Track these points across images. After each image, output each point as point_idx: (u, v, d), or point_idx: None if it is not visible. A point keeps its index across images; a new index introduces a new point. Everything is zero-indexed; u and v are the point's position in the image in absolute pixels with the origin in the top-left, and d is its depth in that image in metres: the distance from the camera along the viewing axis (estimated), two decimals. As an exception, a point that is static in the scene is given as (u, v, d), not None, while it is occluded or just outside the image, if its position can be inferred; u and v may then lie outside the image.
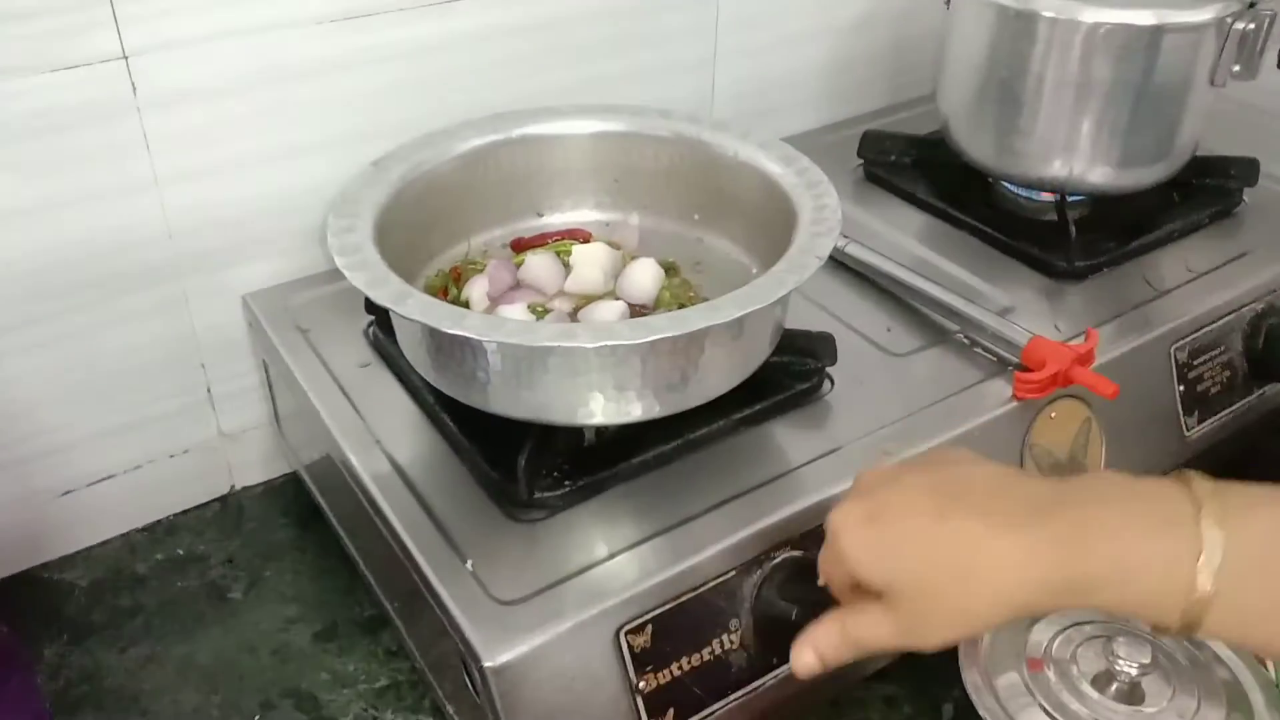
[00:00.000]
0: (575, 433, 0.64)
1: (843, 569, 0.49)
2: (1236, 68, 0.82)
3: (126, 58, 0.68)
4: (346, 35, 0.76)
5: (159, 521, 0.84)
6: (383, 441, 0.67)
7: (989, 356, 0.74)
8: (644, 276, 0.72)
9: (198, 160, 0.74)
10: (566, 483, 0.62)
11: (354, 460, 0.66)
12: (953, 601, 0.46)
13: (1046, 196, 0.90)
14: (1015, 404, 0.71)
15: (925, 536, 0.46)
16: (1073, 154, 0.85)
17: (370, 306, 0.75)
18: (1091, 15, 0.79)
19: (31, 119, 0.67)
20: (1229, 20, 0.80)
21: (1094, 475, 0.47)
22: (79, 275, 0.73)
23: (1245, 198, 0.93)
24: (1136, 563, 0.44)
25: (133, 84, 0.69)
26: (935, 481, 0.47)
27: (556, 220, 0.80)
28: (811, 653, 0.51)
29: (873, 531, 0.47)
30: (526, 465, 0.61)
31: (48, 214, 0.70)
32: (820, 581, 0.52)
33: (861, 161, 0.99)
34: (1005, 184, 0.93)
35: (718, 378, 0.63)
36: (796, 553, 0.62)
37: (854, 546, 0.47)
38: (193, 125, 0.73)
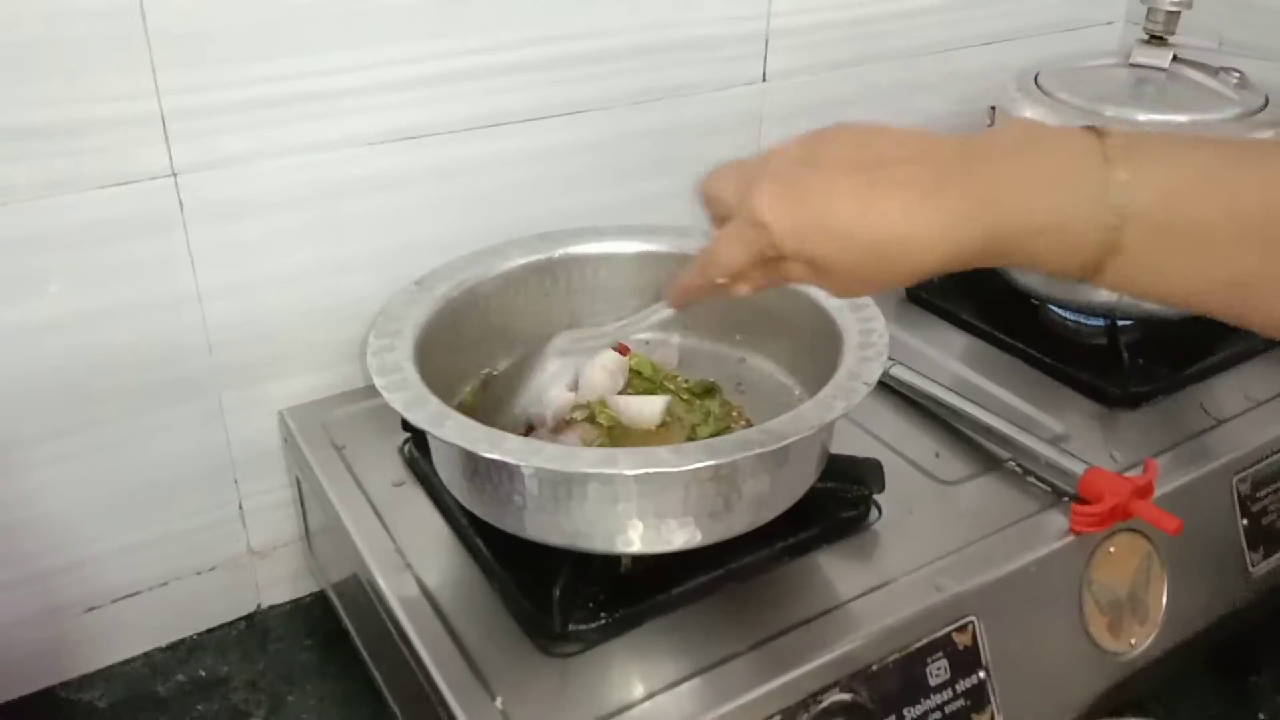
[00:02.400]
0: (612, 561, 0.62)
1: (756, 248, 0.48)
2: (1291, 194, 0.80)
3: (176, 175, 0.69)
4: (393, 155, 0.77)
5: (182, 640, 0.82)
6: (413, 564, 0.65)
7: (1043, 487, 0.72)
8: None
9: (241, 275, 0.74)
10: (602, 615, 0.60)
11: (382, 583, 0.64)
12: (874, 273, 0.46)
13: (1096, 320, 0.89)
14: (1072, 538, 0.68)
15: (851, 216, 0.46)
16: (1123, 278, 0.83)
17: (407, 424, 0.74)
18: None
19: (79, 231, 0.67)
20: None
21: (1001, 128, 0.48)
22: (115, 385, 0.72)
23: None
24: (1048, 211, 0.44)
25: (180, 200, 0.70)
26: (851, 157, 0.47)
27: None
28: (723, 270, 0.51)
29: (799, 212, 0.47)
30: (561, 596, 0.59)
31: (89, 324, 0.70)
32: (717, 270, 0.51)
33: (905, 282, 0.98)
34: (1053, 307, 0.91)
35: (762, 505, 0.61)
36: (845, 696, 0.58)
37: (781, 228, 0.47)
38: (237, 241, 0.73)
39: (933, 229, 0.44)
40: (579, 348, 0.69)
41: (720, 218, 0.52)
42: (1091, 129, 0.45)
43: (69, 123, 0.65)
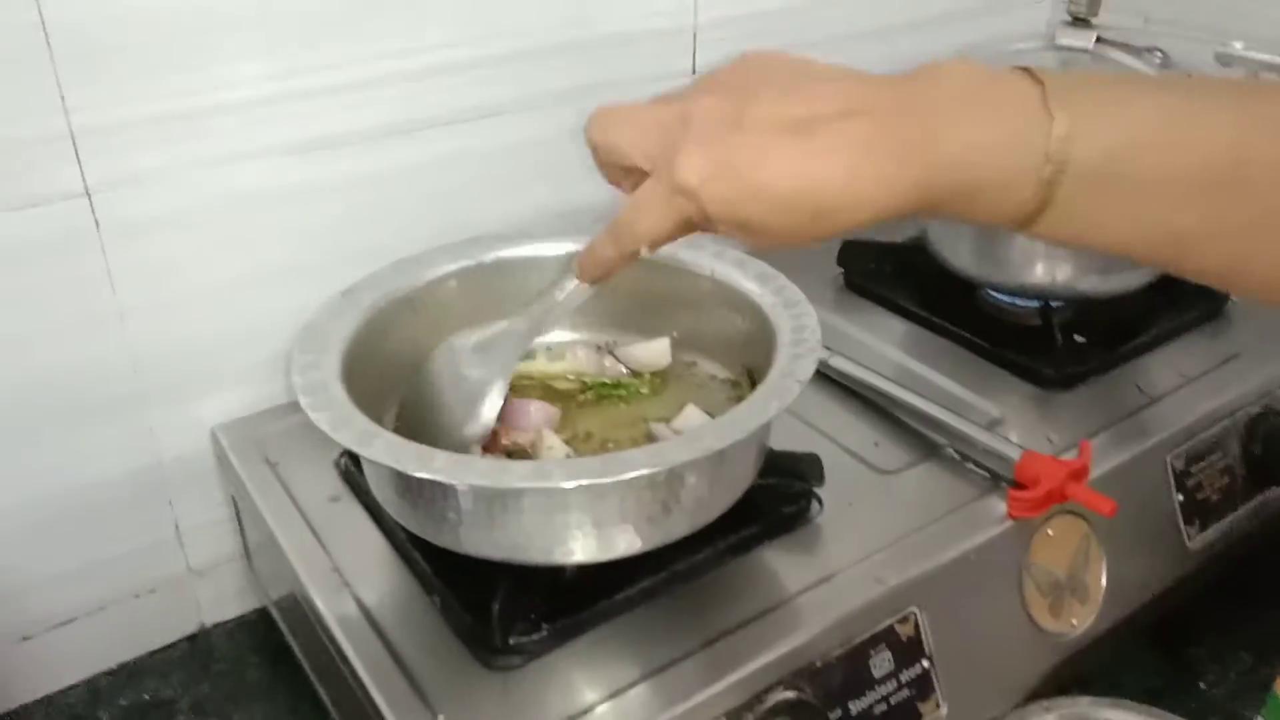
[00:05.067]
0: (553, 570, 0.61)
1: (682, 215, 0.47)
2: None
3: (89, 194, 0.67)
4: (313, 164, 0.75)
5: (124, 664, 0.80)
6: (351, 582, 0.64)
7: (981, 473, 0.72)
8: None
9: (162, 292, 0.73)
10: (544, 625, 0.59)
11: (319, 602, 0.63)
12: (808, 231, 0.45)
13: (1030, 302, 0.89)
14: (1011, 523, 0.68)
15: (789, 181, 0.44)
16: (1055, 261, 0.84)
17: (341, 438, 0.72)
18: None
19: (-9, 256, 0.66)
20: (1204, 125, 0.80)
21: (936, 69, 0.46)
22: (40, 410, 0.71)
23: (1231, 298, 0.92)
24: (988, 168, 0.43)
25: (95, 219, 0.68)
26: (782, 115, 0.45)
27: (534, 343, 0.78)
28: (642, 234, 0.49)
29: (731, 179, 0.45)
30: (501, 610, 0.58)
31: (8, 349, 0.68)
32: (636, 240, 0.50)
33: (842, 270, 0.98)
34: (988, 291, 0.91)
35: (701, 508, 0.61)
36: (790, 694, 0.58)
37: (712, 196, 0.45)
38: (157, 257, 0.71)
39: (872, 187, 0.43)
40: (495, 356, 0.64)
41: (616, 168, 0.50)
42: (1029, 73, 0.44)
43: (-28, 143, 0.63)
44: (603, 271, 0.54)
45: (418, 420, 0.66)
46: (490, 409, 0.64)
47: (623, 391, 0.74)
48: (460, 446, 0.64)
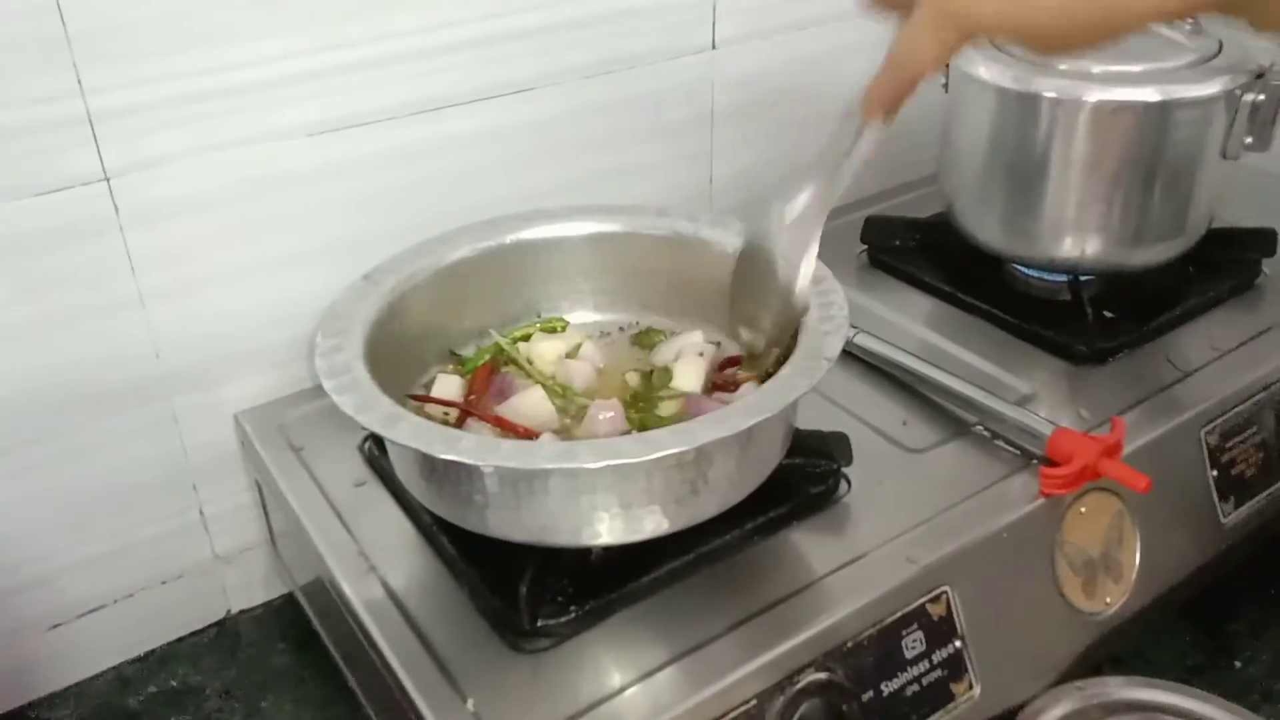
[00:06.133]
0: (580, 552, 0.61)
1: (955, 36, 0.47)
2: (1249, 139, 0.79)
3: (108, 178, 0.67)
4: (333, 145, 0.75)
5: (152, 651, 0.80)
6: (377, 566, 0.64)
7: (1012, 450, 0.71)
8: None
9: (184, 277, 0.72)
10: (572, 608, 0.59)
11: (346, 587, 0.62)
12: (1095, 30, 0.45)
13: (1058, 277, 0.88)
14: (1043, 501, 0.67)
15: None
16: (1084, 234, 0.83)
17: (365, 422, 0.72)
18: (1096, 95, 0.77)
19: (11, 242, 0.65)
20: (1238, 92, 0.78)
21: None
22: (63, 398, 0.71)
23: (1264, 269, 0.91)
24: None
25: (115, 204, 0.68)
26: None
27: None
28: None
29: None
30: (529, 592, 0.58)
31: (29, 337, 0.68)
32: (912, 71, 0.49)
33: (865, 247, 0.97)
34: (1015, 265, 0.90)
35: (729, 488, 0.60)
36: (821, 675, 0.58)
37: (985, 12, 0.45)
38: (178, 242, 0.71)
39: None
40: (802, 222, 0.62)
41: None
42: None
43: (-9, 126, 0.62)
44: (890, 106, 0.52)
45: (744, 293, 0.67)
46: (807, 269, 0.63)
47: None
48: (791, 308, 0.63)
